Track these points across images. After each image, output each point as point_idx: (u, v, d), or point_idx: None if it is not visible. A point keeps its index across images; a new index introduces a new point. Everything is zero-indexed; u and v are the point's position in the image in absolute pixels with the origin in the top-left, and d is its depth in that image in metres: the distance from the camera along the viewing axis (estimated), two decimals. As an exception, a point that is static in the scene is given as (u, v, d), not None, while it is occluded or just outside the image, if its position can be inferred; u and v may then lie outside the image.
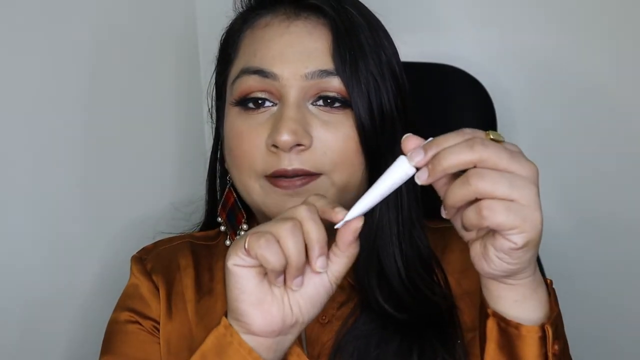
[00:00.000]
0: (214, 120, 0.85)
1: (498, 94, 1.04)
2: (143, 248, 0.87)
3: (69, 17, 0.94)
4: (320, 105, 0.73)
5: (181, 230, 0.92)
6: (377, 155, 0.73)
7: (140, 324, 0.79)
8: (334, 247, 0.62)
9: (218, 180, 0.87)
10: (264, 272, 0.61)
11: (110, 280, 0.97)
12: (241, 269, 0.60)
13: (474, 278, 0.65)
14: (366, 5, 0.78)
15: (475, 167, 0.55)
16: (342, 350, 0.72)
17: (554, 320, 0.63)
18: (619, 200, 1.08)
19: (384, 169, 0.60)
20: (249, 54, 0.76)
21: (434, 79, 1.04)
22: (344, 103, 0.73)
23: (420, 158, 0.57)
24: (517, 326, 0.62)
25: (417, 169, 0.58)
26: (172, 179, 1.14)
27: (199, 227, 0.91)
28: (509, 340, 0.63)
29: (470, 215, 0.56)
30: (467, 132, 0.57)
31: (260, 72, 0.73)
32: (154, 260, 0.84)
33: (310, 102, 0.73)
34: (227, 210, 0.83)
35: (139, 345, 0.78)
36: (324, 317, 0.76)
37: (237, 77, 0.75)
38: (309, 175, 0.72)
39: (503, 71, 1.10)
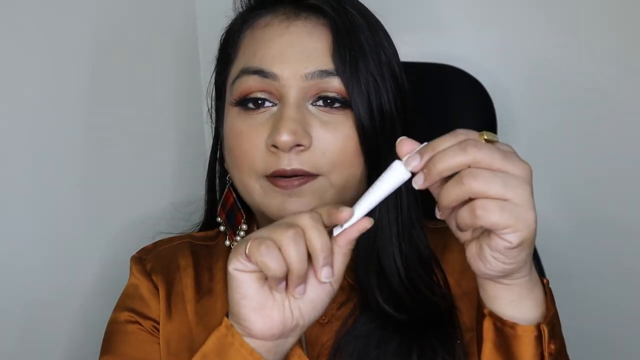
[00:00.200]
0: (214, 120, 0.85)
1: (498, 94, 1.04)
2: (143, 248, 0.87)
3: (69, 17, 0.94)
4: (320, 106, 0.73)
5: (181, 230, 0.92)
6: (376, 155, 0.73)
7: (140, 324, 0.79)
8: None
9: (217, 181, 0.87)
10: (265, 277, 0.61)
11: (110, 280, 0.97)
12: (242, 273, 0.60)
13: (473, 278, 0.65)
14: (366, 5, 0.78)
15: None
16: (341, 350, 0.72)
17: (550, 320, 0.63)
18: (619, 200, 1.07)
19: (384, 169, 0.60)
20: (249, 54, 0.76)
21: (434, 79, 1.04)
22: (344, 103, 0.73)
23: (416, 163, 0.58)
24: (513, 326, 0.62)
25: (413, 174, 0.58)
26: (172, 179, 1.14)
27: (199, 227, 0.91)
28: (505, 340, 0.63)
29: (464, 215, 0.56)
30: (461, 134, 0.57)
31: (260, 72, 0.73)
32: (153, 261, 0.84)
33: (310, 102, 0.73)
34: (227, 210, 0.83)
35: (138, 345, 0.78)
36: (323, 317, 0.76)
37: (237, 77, 0.75)
38: (307, 176, 0.72)
39: (503, 71, 1.10)
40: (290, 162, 0.71)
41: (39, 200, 0.91)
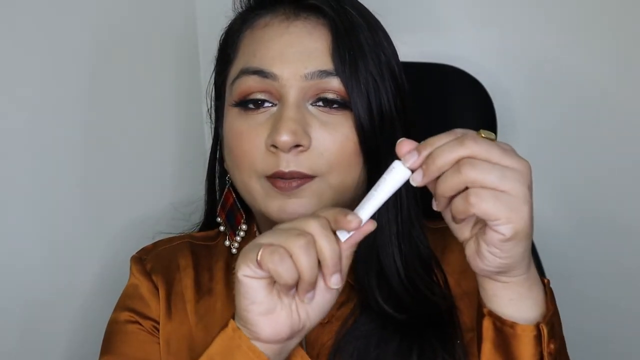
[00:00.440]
0: (213, 121, 0.85)
1: (498, 94, 1.04)
2: (143, 248, 0.87)
3: (69, 17, 0.94)
4: (319, 106, 0.73)
5: (181, 230, 0.92)
6: (376, 155, 0.73)
7: (140, 324, 0.79)
8: None
9: (217, 181, 0.87)
10: (274, 281, 0.61)
11: (110, 280, 0.97)
12: (251, 280, 0.60)
13: (473, 278, 0.65)
14: (366, 5, 0.78)
15: None
16: (341, 350, 0.72)
17: (550, 320, 0.63)
18: (619, 200, 1.07)
19: (384, 169, 0.60)
20: (249, 54, 0.76)
21: (434, 79, 1.04)
22: (343, 104, 0.73)
23: (414, 159, 0.58)
24: (513, 325, 0.63)
25: (412, 172, 0.58)
26: (172, 179, 1.14)
27: (199, 227, 0.91)
28: (504, 339, 0.63)
29: (458, 202, 0.57)
30: (459, 132, 0.58)
31: (260, 73, 0.73)
32: (153, 261, 0.84)
33: (310, 102, 0.73)
34: (227, 210, 0.83)
35: (138, 345, 0.78)
36: (323, 318, 0.76)
37: (237, 77, 0.75)
38: (305, 177, 0.72)
39: (503, 71, 1.10)
40: (289, 164, 0.71)
41: (39, 200, 0.91)
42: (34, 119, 0.90)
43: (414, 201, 0.76)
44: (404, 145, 0.59)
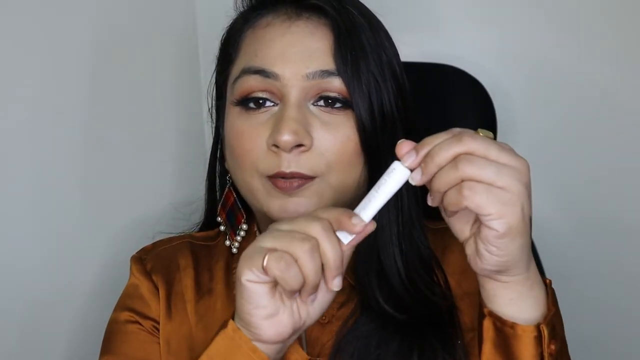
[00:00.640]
0: (214, 120, 0.85)
1: (498, 94, 1.04)
2: (142, 248, 0.87)
3: (69, 17, 0.94)
4: (321, 106, 0.73)
5: (181, 230, 0.92)
6: (377, 155, 0.73)
7: (140, 324, 0.79)
8: None
9: (218, 180, 0.87)
10: (276, 284, 0.61)
11: (110, 280, 0.97)
12: (255, 285, 0.60)
13: (474, 279, 0.65)
14: (366, 5, 0.78)
15: None
16: (342, 350, 0.72)
17: (550, 320, 0.63)
18: (619, 201, 1.08)
19: (384, 169, 0.60)
20: (250, 54, 0.76)
21: (434, 79, 1.04)
22: (345, 104, 0.73)
23: (413, 159, 0.58)
24: (513, 326, 0.63)
25: (411, 171, 0.59)
26: (172, 179, 1.14)
27: (199, 227, 0.91)
28: (505, 339, 0.63)
29: (451, 194, 0.57)
30: (456, 131, 0.58)
31: (262, 72, 0.73)
32: (153, 260, 0.84)
33: (311, 102, 0.73)
34: (227, 210, 0.83)
35: (138, 345, 0.78)
36: (324, 318, 0.76)
37: (238, 77, 0.75)
38: (306, 178, 0.72)
39: (503, 71, 1.10)
40: (290, 164, 0.71)
41: (39, 200, 0.91)
42: (34, 119, 0.90)
43: (414, 202, 0.76)
44: (404, 146, 0.59)
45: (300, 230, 0.60)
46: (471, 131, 0.58)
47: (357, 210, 0.61)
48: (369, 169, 0.74)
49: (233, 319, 0.63)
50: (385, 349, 0.71)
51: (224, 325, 0.64)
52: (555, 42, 1.07)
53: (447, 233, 0.66)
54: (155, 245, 0.87)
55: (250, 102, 0.74)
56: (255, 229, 0.83)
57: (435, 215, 0.64)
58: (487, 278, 0.63)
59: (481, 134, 0.58)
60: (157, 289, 0.81)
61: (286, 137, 0.70)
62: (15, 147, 0.87)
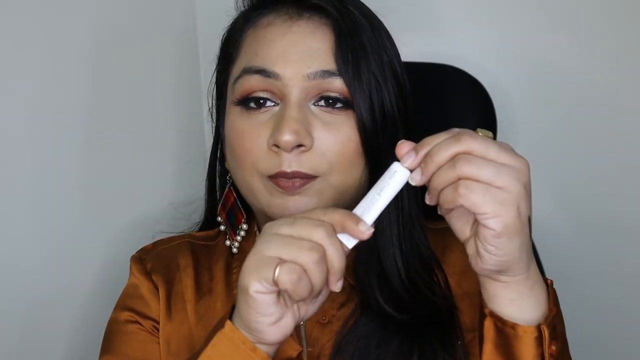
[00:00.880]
0: (214, 120, 0.85)
1: (498, 94, 1.04)
2: (142, 248, 0.87)
3: (69, 17, 0.94)
4: (322, 106, 0.73)
5: (181, 230, 0.92)
6: (377, 155, 0.73)
7: (140, 324, 0.79)
8: None
9: (218, 180, 0.87)
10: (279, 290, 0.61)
11: (110, 280, 0.97)
12: (264, 295, 0.60)
13: (474, 279, 0.65)
14: (366, 5, 0.78)
15: None
16: (342, 350, 0.72)
17: (551, 321, 0.63)
18: (619, 201, 1.07)
19: (385, 169, 0.60)
20: (251, 54, 0.76)
21: (434, 79, 1.04)
22: (346, 104, 0.73)
23: (412, 159, 0.58)
24: (514, 326, 0.63)
25: (411, 172, 0.59)
26: (172, 179, 1.14)
27: (199, 226, 0.91)
28: (505, 340, 0.63)
29: (447, 191, 0.57)
30: (456, 131, 0.59)
31: (262, 72, 0.73)
32: (153, 260, 0.84)
33: (312, 102, 0.73)
34: (227, 209, 0.83)
35: (138, 345, 0.78)
36: (324, 318, 0.76)
37: (239, 76, 0.75)
38: (307, 177, 0.72)
39: (503, 71, 1.10)
40: (291, 164, 0.71)
41: (39, 200, 0.91)
42: (34, 119, 0.90)
43: (415, 202, 0.76)
44: (403, 147, 0.59)
45: (305, 236, 0.59)
46: (470, 131, 0.58)
47: (359, 212, 0.61)
48: (370, 169, 0.74)
49: (230, 318, 0.63)
50: (385, 349, 0.71)
51: (221, 326, 0.64)
52: (555, 42, 1.07)
53: (447, 233, 0.66)
54: (155, 245, 0.87)
55: (250, 102, 0.74)
56: (255, 228, 0.83)
57: (435, 215, 0.64)
58: (487, 278, 0.63)
59: (480, 134, 0.58)
60: (157, 289, 0.81)
61: (287, 137, 0.70)
62: (15, 147, 0.87)
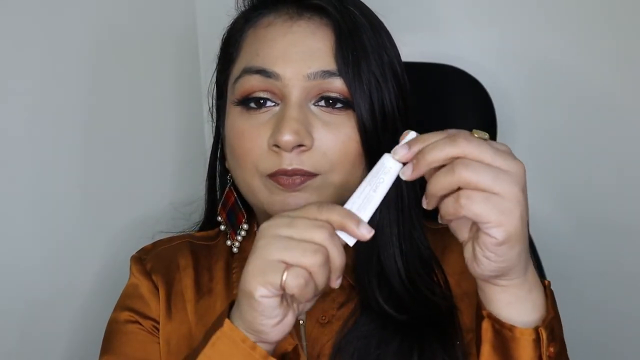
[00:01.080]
0: (215, 119, 0.85)
1: (498, 94, 1.04)
2: (142, 248, 0.87)
3: (69, 17, 0.94)
4: (322, 106, 0.73)
5: (181, 230, 0.92)
6: (378, 155, 0.73)
7: (140, 324, 0.79)
8: None
9: (218, 180, 0.87)
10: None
11: (110, 280, 0.97)
12: (269, 299, 0.60)
13: (474, 279, 0.65)
14: (366, 5, 0.78)
15: None
16: (342, 350, 0.72)
17: (549, 323, 0.63)
18: (619, 201, 1.07)
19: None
20: (251, 54, 0.76)
21: (434, 79, 1.04)
22: (346, 104, 0.73)
23: (404, 152, 0.59)
24: (511, 328, 0.63)
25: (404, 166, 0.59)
26: (172, 179, 1.14)
27: (199, 226, 0.91)
28: (503, 342, 0.63)
29: (448, 203, 0.57)
30: (452, 131, 0.58)
31: (263, 72, 0.73)
32: (153, 260, 0.84)
33: (312, 102, 0.73)
34: (227, 209, 0.83)
35: (138, 345, 0.78)
36: (324, 318, 0.76)
37: (239, 76, 0.75)
38: (308, 175, 0.72)
39: (503, 71, 1.10)
40: (291, 162, 0.71)
41: (39, 200, 0.91)
42: (34, 119, 0.90)
43: (415, 202, 0.76)
44: (406, 137, 0.60)
45: (306, 238, 0.59)
46: (467, 132, 0.58)
47: (355, 209, 0.61)
48: (370, 169, 0.74)
49: (228, 316, 0.63)
50: (385, 349, 0.71)
51: (219, 324, 0.64)
52: (555, 42, 1.07)
53: (447, 233, 0.66)
54: (155, 245, 0.87)
55: (251, 102, 0.74)
56: (256, 228, 0.83)
57: (435, 215, 0.64)
58: (484, 282, 0.63)
59: (476, 135, 0.58)
60: (157, 289, 0.81)
61: (287, 137, 0.70)
62: (15, 147, 0.87)
